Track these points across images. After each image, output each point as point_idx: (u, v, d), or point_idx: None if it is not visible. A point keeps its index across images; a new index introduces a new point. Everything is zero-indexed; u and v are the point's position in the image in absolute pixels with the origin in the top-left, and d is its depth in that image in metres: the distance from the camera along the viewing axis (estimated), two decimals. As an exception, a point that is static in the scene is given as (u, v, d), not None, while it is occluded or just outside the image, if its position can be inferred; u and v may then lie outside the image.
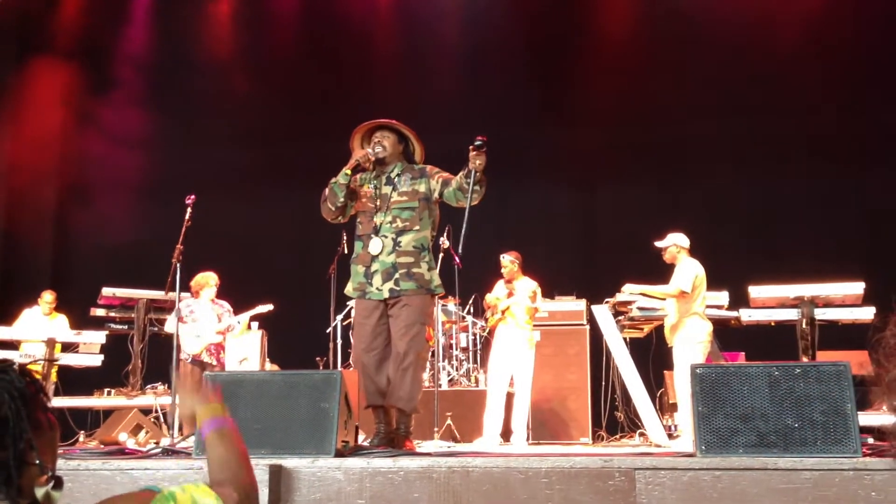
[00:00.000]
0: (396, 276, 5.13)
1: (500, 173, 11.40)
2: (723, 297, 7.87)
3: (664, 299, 7.51)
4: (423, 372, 5.30)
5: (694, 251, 7.47)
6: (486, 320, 8.83)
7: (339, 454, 4.00)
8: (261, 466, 3.62)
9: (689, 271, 7.22)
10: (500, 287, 8.48)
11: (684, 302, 7.18)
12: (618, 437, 8.34)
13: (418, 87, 11.62)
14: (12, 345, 8.68)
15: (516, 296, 8.30)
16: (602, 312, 7.83)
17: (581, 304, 9.09)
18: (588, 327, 8.87)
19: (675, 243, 7.45)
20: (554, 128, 11.40)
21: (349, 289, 5.34)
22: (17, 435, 1.59)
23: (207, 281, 8.60)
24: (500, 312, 8.30)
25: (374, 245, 5.19)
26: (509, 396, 8.35)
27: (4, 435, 1.59)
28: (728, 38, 10.86)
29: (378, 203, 5.26)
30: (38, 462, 1.61)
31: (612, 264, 10.14)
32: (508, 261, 8.40)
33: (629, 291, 7.71)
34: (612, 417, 8.48)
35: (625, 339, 7.93)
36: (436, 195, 5.25)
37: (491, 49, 11.54)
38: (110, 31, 12.29)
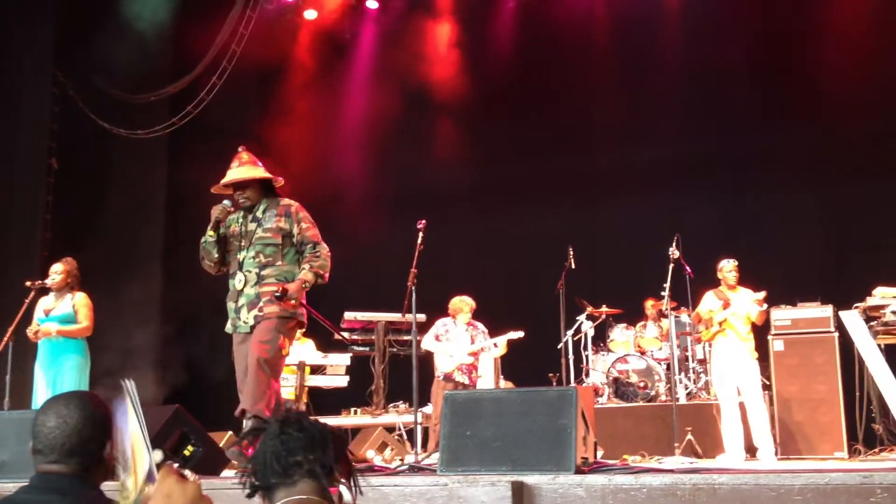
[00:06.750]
0: (260, 303, 5.23)
1: (730, 177, 11.13)
2: None
3: (921, 302, 6.94)
4: (269, 378, 5.14)
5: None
6: (700, 333, 8.60)
7: (579, 471, 3.99)
8: (503, 483, 3.69)
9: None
10: (710, 298, 8.16)
11: (946, 304, 6.60)
12: (877, 450, 7.75)
13: (640, 95, 11.43)
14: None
15: (733, 306, 7.96)
16: (852, 318, 7.35)
17: (827, 311, 8.54)
18: (836, 334, 8.34)
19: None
20: (790, 125, 10.83)
21: (227, 326, 5.43)
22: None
23: (462, 307, 8.80)
24: (716, 325, 7.99)
25: (238, 280, 5.33)
26: (745, 409, 7.98)
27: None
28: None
29: (242, 241, 5.39)
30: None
31: (857, 266, 9.50)
32: (735, 265, 8.08)
33: (881, 295, 7.21)
34: (870, 430, 7.90)
35: (879, 345, 7.40)
36: (296, 240, 5.35)
37: (715, 48, 11.11)
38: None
